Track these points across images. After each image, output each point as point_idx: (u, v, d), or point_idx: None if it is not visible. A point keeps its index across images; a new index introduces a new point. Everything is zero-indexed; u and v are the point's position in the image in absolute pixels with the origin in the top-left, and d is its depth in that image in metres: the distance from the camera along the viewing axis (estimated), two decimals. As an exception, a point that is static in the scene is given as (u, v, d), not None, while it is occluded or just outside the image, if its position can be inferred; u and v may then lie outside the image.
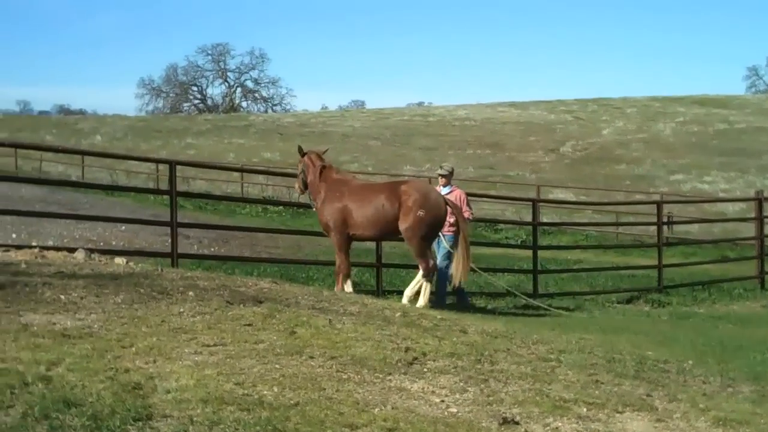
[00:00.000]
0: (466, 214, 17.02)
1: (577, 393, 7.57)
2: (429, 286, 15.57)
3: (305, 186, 16.57)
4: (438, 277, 16.80)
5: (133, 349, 7.29)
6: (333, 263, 18.84)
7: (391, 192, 15.44)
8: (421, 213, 15.14)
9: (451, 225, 16.59)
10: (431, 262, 15.48)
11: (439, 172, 17.75)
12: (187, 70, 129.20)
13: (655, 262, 23.90)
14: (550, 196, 47.04)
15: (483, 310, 17.47)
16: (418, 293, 15.58)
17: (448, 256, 16.79)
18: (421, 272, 15.50)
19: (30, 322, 7.86)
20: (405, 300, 15.33)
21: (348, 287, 15.38)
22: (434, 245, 16.68)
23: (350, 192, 15.71)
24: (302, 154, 16.71)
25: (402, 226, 15.21)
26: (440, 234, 16.54)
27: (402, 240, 15.85)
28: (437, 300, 16.61)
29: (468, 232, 16.37)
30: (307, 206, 18.06)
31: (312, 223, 17.35)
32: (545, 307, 18.22)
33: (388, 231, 15.64)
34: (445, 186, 17.44)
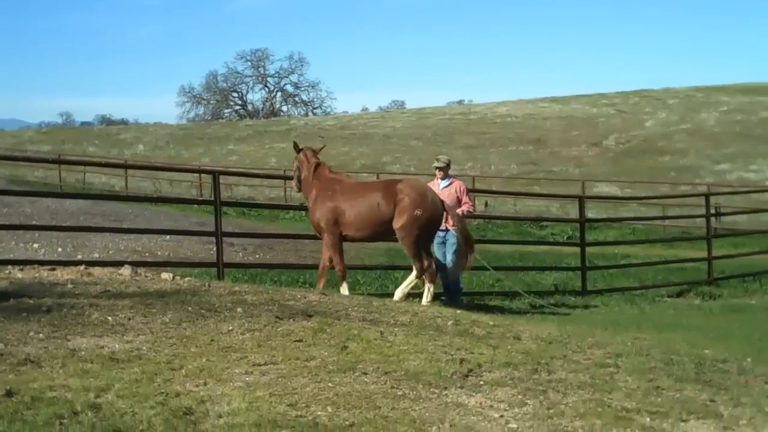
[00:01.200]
0: (466, 207, 16.76)
1: (639, 402, 7.35)
2: (431, 285, 15.29)
3: (301, 183, 16.19)
4: (448, 275, 16.61)
5: (183, 371, 7.15)
6: (379, 267, 18.78)
7: (387, 191, 15.04)
8: (417, 212, 14.79)
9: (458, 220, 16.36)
10: (426, 263, 15.09)
11: (435, 164, 17.27)
12: (227, 76, 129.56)
13: (704, 254, 23.66)
14: (595, 191, 46.72)
15: (501, 309, 17.22)
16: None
17: (457, 252, 16.51)
18: (414, 272, 15.16)
19: (78, 346, 7.75)
20: (396, 298, 14.86)
21: (344, 290, 14.97)
22: (436, 245, 16.47)
23: (343, 191, 15.29)
24: (297, 150, 16.26)
25: (396, 225, 14.82)
26: (447, 230, 16.31)
27: (395, 240, 15.46)
28: (452, 298, 16.39)
29: (464, 227, 15.95)
30: None
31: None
32: (548, 305, 17.77)
33: (383, 231, 15.20)
34: (443, 179, 17.04)
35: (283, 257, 23.91)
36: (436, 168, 17.18)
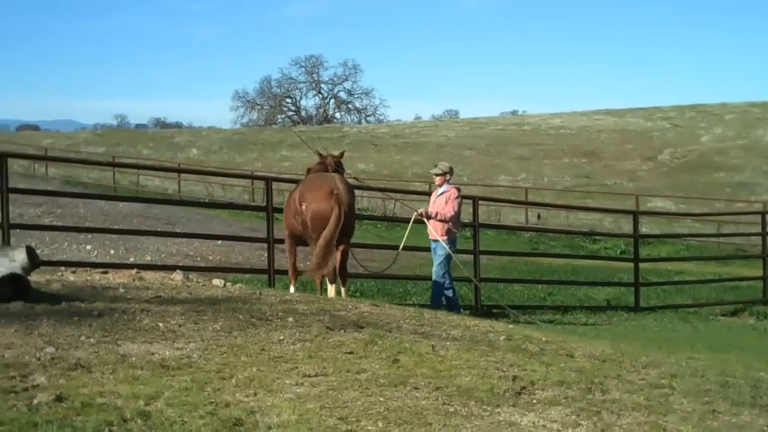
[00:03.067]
0: (445, 211, 16.17)
1: (695, 426, 7.20)
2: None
3: None
4: (434, 284, 16.41)
5: (233, 380, 7.09)
6: (428, 278, 18.62)
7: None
8: (303, 207, 14.42)
9: (447, 231, 16.12)
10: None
11: (433, 171, 16.90)
12: (281, 82, 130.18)
13: (760, 273, 23.36)
14: (649, 205, 46.42)
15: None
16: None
17: (447, 262, 16.26)
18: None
19: (128, 352, 7.72)
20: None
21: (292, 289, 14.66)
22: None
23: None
24: (320, 156, 16.00)
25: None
26: (437, 239, 16.12)
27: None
28: (433, 305, 15.98)
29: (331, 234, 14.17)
30: (404, 220, 17.81)
31: (415, 233, 17.07)
32: (532, 321, 17.23)
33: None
34: (441, 185, 16.57)
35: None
36: (434, 174, 16.79)
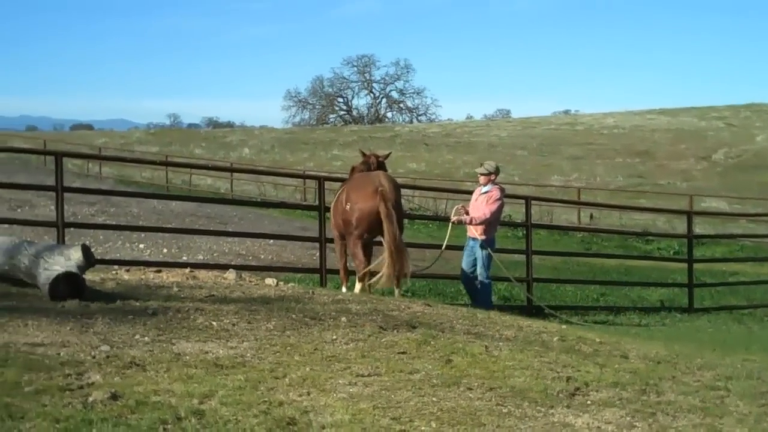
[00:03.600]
0: (484, 211, 15.92)
1: (751, 428, 7.11)
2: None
3: None
4: (483, 286, 16.22)
5: (287, 380, 7.11)
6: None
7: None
8: (348, 206, 14.36)
9: (485, 230, 16.00)
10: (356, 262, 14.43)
11: (478, 170, 16.52)
12: (332, 81, 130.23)
13: (816, 274, 23.08)
14: (703, 205, 46.01)
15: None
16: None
17: (490, 261, 16.15)
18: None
19: (182, 351, 7.76)
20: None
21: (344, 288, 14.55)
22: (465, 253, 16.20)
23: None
24: (363, 155, 16.03)
25: None
26: (475, 238, 15.99)
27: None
28: (483, 306, 15.70)
29: (395, 233, 14.05)
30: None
31: (457, 234, 16.99)
32: (570, 321, 16.89)
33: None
34: (485, 185, 16.19)
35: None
36: (479, 174, 16.43)
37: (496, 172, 16.41)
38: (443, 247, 16.68)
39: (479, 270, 16.06)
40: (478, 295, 16.23)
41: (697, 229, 28.86)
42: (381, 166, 15.58)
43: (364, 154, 15.89)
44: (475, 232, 15.96)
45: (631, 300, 20.92)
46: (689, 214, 22.97)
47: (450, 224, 16.55)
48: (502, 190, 16.43)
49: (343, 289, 14.43)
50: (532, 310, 17.47)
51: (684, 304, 20.33)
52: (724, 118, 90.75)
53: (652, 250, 33.60)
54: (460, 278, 16.57)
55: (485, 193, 16.08)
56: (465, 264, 16.17)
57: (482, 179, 16.31)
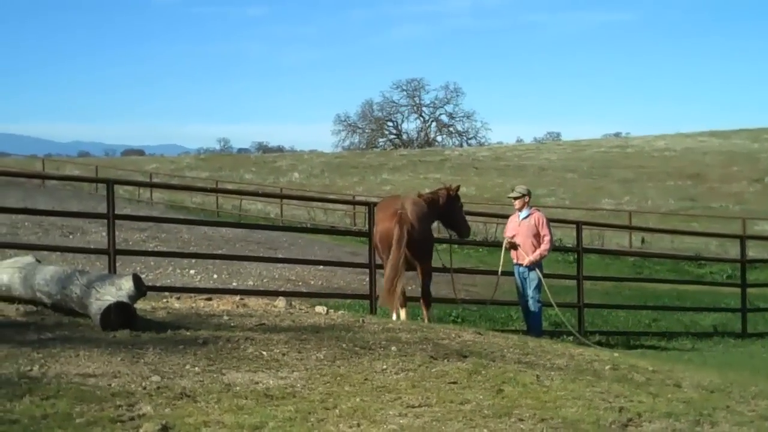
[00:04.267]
0: (545, 246, 15.94)
1: (808, 460, 7.01)
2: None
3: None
4: (535, 310, 16.14)
5: (337, 410, 7.07)
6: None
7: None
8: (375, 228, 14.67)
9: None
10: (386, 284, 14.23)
11: (511, 195, 16.51)
12: (382, 105, 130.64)
13: None
14: (756, 228, 45.59)
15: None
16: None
17: (540, 286, 16.08)
18: None
19: (233, 381, 7.75)
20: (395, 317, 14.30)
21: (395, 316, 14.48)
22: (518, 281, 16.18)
23: None
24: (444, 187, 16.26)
25: None
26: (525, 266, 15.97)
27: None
28: (534, 333, 15.50)
29: (397, 256, 14.13)
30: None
31: (509, 258, 16.95)
32: (588, 343, 16.70)
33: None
34: (520, 209, 16.22)
35: (435, 289, 23.71)
36: (513, 198, 16.42)
37: (529, 194, 16.44)
38: (498, 272, 16.64)
39: (531, 293, 16.01)
40: (530, 320, 16.21)
41: (751, 253, 28.60)
42: (451, 199, 15.69)
43: (445, 187, 16.25)
44: (525, 257, 15.90)
45: (684, 325, 20.74)
46: (742, 238, 22.78)
47: (502, 254, 16.47)
48: (539, 210, 16.51)
49: (394, 317, 14.40)
50: (585, 336, 17.36)
51: (737, 329, 20.14)
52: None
53: (705, 274, 33.29)
54: (520, 306, 16.56)
55: (527, 217, 16.04)
56: (521, 290, 16.18)
57: (517, 203, 16.29)
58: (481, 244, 32.66)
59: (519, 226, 16.07)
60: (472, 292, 22.90)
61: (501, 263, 16.49)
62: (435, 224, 16.38)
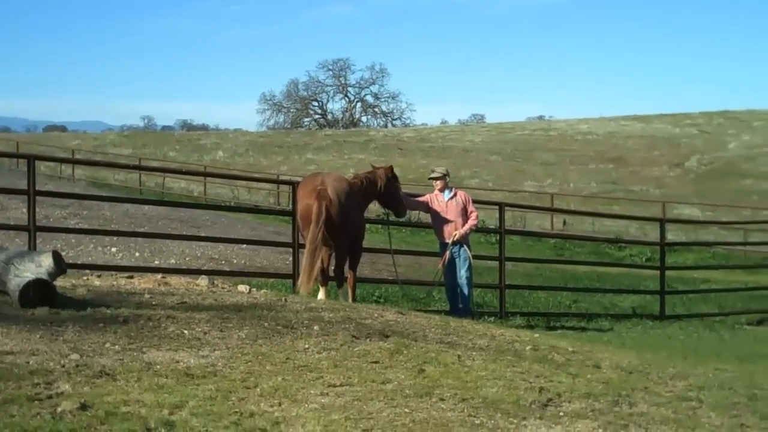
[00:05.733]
0: (471, 221, 16.22)
1: (724, 440, 7.12)
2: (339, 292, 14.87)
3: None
4: (467, 290, 16.28)
5: (258, 390, 7.05)
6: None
7: None
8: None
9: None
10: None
11: (433, 175, 16.68)
12: (308, 85, 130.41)
13: (787, 282, 23.20)
14: (675, 212, 46.20)
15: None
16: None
17: (470, 266, 16.25)
18: None
19: (153, 360, 7.69)
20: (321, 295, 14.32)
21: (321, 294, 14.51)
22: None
23: None
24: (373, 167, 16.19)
25: None
26: (456, 244, 16.10)
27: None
28: (461, 312, 15.71)
29: (314, 234, 13.90)
30: (427, 225, 17.74)
31: (432, 239, 17.03)
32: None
33: None
34: (442, 190, 16.39)
35: (358, 270, 23.76)
36: (432, 179, 16.61)
37: (448, 174, 16.58)
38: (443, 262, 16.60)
39: (463, 272, 16.10)
40: (460, 300, 16.28)
41: (670, 236, 28.98)
42: (390, 180, 15.67)
43: (373, 167, 16.13)
44: (452, 236, 15.97)
45: (603, 307, 20.99)
46: (662, 222, 23.09)
47: (446, 254, 16.43)
48: (464, 191, 16.69)
49: (320, 294, 14.35)
50: (506, 316, 17.52)
51: (656, 311, 20.41)
52: (698, 125, 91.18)
53: (625, 256, 33.75)
54: (445, 285, 16.58)
55: (452, 198, 16.15)
56: (448, 270, 16.21)
57: (439, 184, 16.38)
58: (407, 225, 32.73)
59: (446, 207, 16.15)
60: (392, 271, 22.96)
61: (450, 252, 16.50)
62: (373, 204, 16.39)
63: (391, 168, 16.10)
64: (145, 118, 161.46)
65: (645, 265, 28.45)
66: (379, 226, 22.20)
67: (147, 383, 6.93)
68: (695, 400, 8.40)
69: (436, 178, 16.43)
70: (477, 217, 16.44)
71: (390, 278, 19.43)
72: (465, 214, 16.14)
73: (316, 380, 7.51)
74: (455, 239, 16.04)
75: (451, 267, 16.22)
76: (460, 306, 16.16)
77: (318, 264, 13.98)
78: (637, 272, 26.43)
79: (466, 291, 16.23)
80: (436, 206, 16.38)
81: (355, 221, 14.79)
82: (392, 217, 16.70)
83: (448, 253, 16.11)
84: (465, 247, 16.13)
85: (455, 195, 16.30)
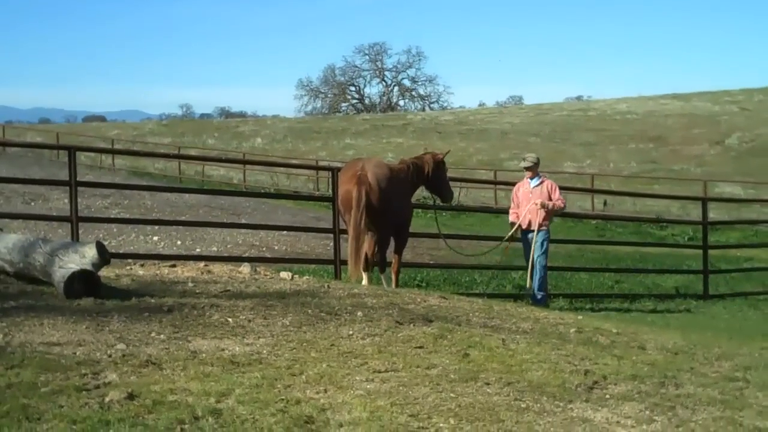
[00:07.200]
0: (560, 203, 16.31)
1: (772, 420, 7.05)
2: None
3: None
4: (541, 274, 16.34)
5: (303, 377, 7.07)
6: (495, 267, 18.58)
7: None
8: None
9: (544, 219, 16.18)
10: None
11: (522, 164, 16.84)
12: (344, 70, 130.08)
13: (833, 259, 22.96)
14: (716, 190, 45.84)
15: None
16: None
17: (546, 251, 16.40)
18: None
19: (199, 348, 7.73)
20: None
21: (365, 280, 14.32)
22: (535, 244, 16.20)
23: None
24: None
25: None
26: (532, 230, 16.14)
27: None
28: (536, 300, 16.07)
29: (357, 219, 13.91)
30: (469, 208, 17.68)
31: (472, 222, 17.01)
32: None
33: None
34: (532, 178, 16.49)
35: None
36: (524, 168, 16.71)
37: (539, 162, 16.65)
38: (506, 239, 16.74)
39: (539, 258, 16.13)
40: (538, 285, 16.36)
41: (712, 215, 28.77)
42: (437, 165, 15.63)
43: (431, 152, 16.13)
44: (533, 223, 16.03)
45: (646, 287, 20.82)
46: (704, 200, 22.88)
47: (509, 235, 16.62)
48: (552, 180, 16.80)
49: (364, 281, 14.33)
50: (550, 297, 17.46)
51: (699, 291, 20.25)
52: (738, 102, 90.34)
53: (667, 236, 33.47)
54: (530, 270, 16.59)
55: (539, 185, 16.23)
56: (527, 256, 16.30)
57: (529, 173, 16.44)
58: (451, 209, 32.69)
59: (531, 194, 16.20)
60: (436, 256, 22.94)
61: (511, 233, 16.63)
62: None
63: (445, 153, 16.13)
64: (184, 106, 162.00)
65: (687, 244, 28.24)
66: (419, 210, 22.11)
67: (193, 372, 6.97)
68: (742, 380, 8.36)
69: (527, 168, 16.50)
70: (563, 202, 16.53)
71: (431, 263, 19.39)
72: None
73: (361, 366, 7.52)
74: (543, 215, 16.15)
75: (528, 252, 16.32)
76: (536, 296, 16.27)
77: (364, 249, 13.97)
78: (679, 252, 26.21)
79: (539, 276, 16.26)
80: (520, 194, 16.46)
81: (398, 207, 14.75)
82: (438, 202, 16.71)
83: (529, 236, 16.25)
84: (543, 231, 16.16)
85: (542, 183, 16.46)
